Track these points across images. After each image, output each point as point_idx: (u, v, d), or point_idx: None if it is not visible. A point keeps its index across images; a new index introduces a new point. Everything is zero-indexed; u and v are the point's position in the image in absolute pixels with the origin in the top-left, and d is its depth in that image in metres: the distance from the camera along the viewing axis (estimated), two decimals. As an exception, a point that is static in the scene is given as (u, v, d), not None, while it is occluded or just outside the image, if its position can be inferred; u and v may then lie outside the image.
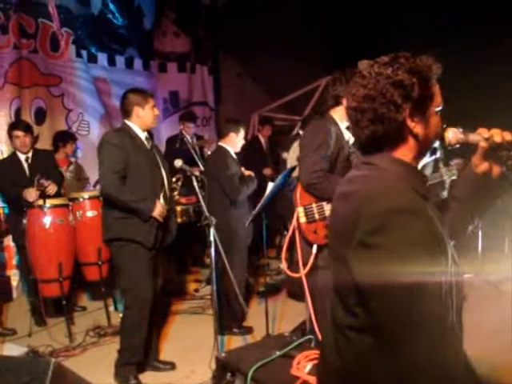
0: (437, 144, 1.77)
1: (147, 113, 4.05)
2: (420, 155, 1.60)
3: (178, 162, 3.88)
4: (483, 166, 1.60)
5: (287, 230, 7.35)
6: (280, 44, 8.63)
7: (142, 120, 4.06)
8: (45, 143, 6.64)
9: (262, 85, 9.57)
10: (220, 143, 5.08)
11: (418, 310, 1.34)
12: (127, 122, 4.09)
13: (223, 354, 2.95)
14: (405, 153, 1.56)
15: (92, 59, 7.79)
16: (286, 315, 5.32)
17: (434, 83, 1.56)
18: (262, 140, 8.23)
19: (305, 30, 9.09)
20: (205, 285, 6.23)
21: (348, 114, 1.60)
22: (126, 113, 4.08)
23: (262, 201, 4.18)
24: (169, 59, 8.77)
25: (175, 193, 4.87)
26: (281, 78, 8.81)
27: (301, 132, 5.90)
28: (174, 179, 4.69)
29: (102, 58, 7.93)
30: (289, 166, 4.87)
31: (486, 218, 5.24)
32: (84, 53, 7.64)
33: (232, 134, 4.98)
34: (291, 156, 5.42)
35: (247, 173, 4.92)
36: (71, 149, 6.53)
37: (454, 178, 3.86)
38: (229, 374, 2.80)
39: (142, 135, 4.09)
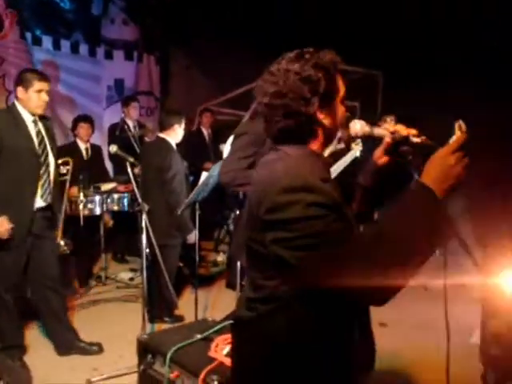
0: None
1: (30, 96, 3.87)
2: (327, 144, 1.71)
3: (113, 148, 3.88)
4: (384, 159, 1.72)
5: (227, 224, 7.46)
6: (230, 38, 8.65)
7: (25, 103, 3.91)
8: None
9: (210, 78, 9.56)
10: (161, 135, 4.99)
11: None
12: (15, 101, 3.97)
13: (144, 336, 3.00)
14: (313, 142, 1.67)
15: (36, 42, 7.65)
16: (219, 305, 5.40)
17: (338, 76, 1.67)
18: (205, 132, 8.24)
19: (254, 25, 9.13)
20: (140, 274, 6.24)
21: (260, 110, 1.69)
22: (14, 92, 3.98)
23: (195, 190, 4.23)
24: (116, 47, 8.67)
25: (65, 177, 4.72)
26: (230, 73, 8.83)
27: None
28: (60, 161, 4.57)
29: (47, 41, 7.79)
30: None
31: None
32: (28, 35, 7.50)
33: (176, 126, 4.95)
34: (228, 147, 5.45)
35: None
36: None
37: (360, 149, 3.99)
38: (149, 356, 2.85)
39: (29, 118, 3.95)
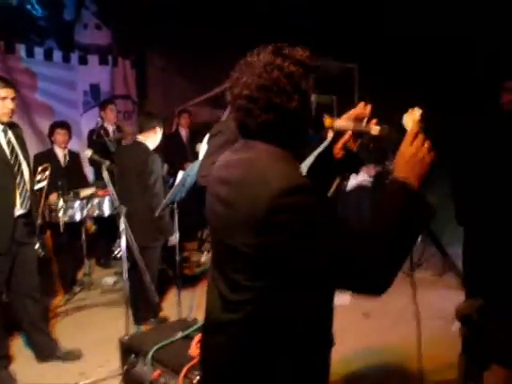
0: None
1: None
2: (301, 140, 1.73)
3: (88, 152, 3.89)
4: (341, 153, 1.78)
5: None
6: (205, 37, 8.64)
7: None
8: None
9: (187, 79, 9.56)
10: (139, 138, 4.93)
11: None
12: None
13: (126, 338, 3.02)
14: (286, 139, 1.66)
15: (9, 50, 7.63)
16: (203, 305, 5.34)
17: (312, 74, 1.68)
18: (183, 133, 8.24)
19: (229, 23, 9.13)
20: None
21: (236, 103, 1.65)
22: None
23: (172, 191, 4.24)
24: (90, 52, 8.66)
25: (43, 183, 4.68)
26: (207, 73, 8.82)
27: None
28: (40, 168, 4.56)
29: (20, 49, 7.77)
30: (201, 157, 4.91)
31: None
32: (1, 43, 7.47)
33: (157, 128, 4.92)
34: (204, 147, 5.44)
35: None
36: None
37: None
38: (132, 356, 2.88)
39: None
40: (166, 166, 6.66)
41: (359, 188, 6.16)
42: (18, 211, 4.00)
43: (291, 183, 1.51)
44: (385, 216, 1.54)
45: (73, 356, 4.35)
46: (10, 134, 3.99)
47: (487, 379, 2.05)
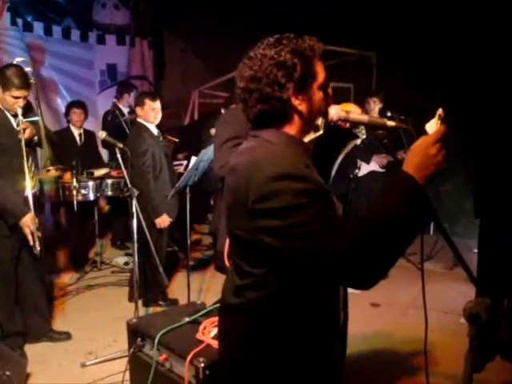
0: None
1: (4, 98, 3.80)
2: (305, 130, 1.71)
3: (102, 134, 3.89)
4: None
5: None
6: (225, 20, 8.58)
7: (2, 103, 3.85)
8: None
9: (205, 61, 9.53)
10: (138, 118, 4.88)
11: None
12: None
13: (134, 320, 3.03)
14: (290, 128, 1.67)
15: (28, 28, 7.62)
16: (212, 288, 5.44)
17: (317, 62, 1.65)
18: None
19: (250, 7, 9.05)
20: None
21: (237, 94, 1.69)
22: None
23: (185, 174, 4.24)
24: (108, 31, 8.64)
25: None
26: (225, 56, 8.76)
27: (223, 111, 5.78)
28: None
29: (38, 27, 7.76)
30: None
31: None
32: (19, 21, 7.47)
33: (147, 100, 4.79)
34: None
35: None
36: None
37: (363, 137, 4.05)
38: (139, 339, 2.89)
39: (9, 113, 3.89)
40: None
41: (371, 175, 6.13)
42: (29, 191, 3.93)
43: (280, 169, 1.52)
44: (384, 205, 1.50)
45: (63, 338, 4.35)
46: (20, 117, 3.88)
47: (491, 370, 2.05)
